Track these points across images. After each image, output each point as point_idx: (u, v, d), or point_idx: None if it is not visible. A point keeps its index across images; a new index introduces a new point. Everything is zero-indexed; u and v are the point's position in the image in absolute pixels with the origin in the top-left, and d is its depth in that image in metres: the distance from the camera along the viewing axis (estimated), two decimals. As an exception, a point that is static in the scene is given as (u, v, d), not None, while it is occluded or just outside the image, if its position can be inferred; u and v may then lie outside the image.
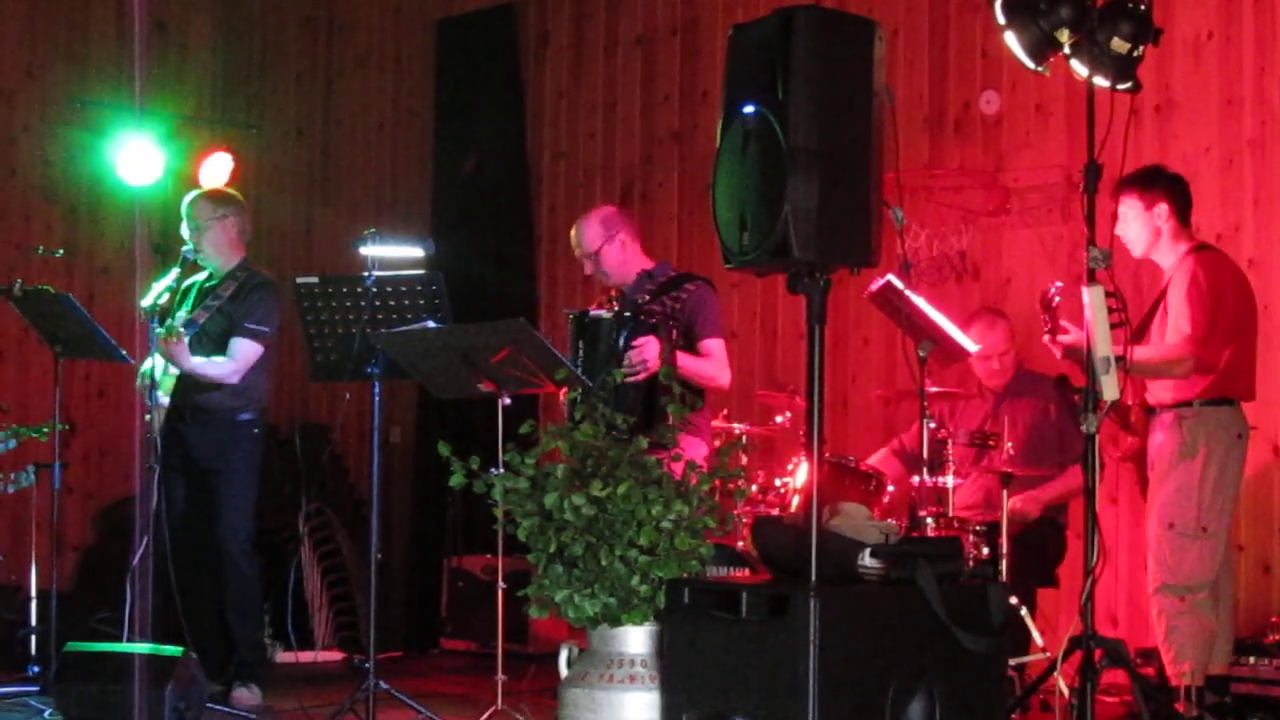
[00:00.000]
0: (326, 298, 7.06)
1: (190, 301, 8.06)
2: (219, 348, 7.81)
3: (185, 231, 8.08)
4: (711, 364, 7.25)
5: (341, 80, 12.07)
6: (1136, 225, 6.88)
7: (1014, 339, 7.99)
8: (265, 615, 8.53)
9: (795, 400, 7.78)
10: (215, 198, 8.24)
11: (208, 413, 7.90)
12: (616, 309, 7.16)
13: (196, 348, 7.72)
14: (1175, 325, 6.69)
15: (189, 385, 7.85)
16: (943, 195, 8.76)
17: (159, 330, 7.55)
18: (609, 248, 7.48)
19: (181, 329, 7.58)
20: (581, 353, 6.99)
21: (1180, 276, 6.73)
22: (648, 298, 7.37)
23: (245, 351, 7.83)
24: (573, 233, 7.61)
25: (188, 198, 8.18)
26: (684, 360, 6.99)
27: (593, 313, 7.14)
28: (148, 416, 7.68)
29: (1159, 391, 6.88)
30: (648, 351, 6.83)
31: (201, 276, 8.17)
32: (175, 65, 11.69)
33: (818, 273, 5.23)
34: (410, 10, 11.65)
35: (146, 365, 7.72)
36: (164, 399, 7.80)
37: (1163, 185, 6.89)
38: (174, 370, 7.82)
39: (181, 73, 11.70)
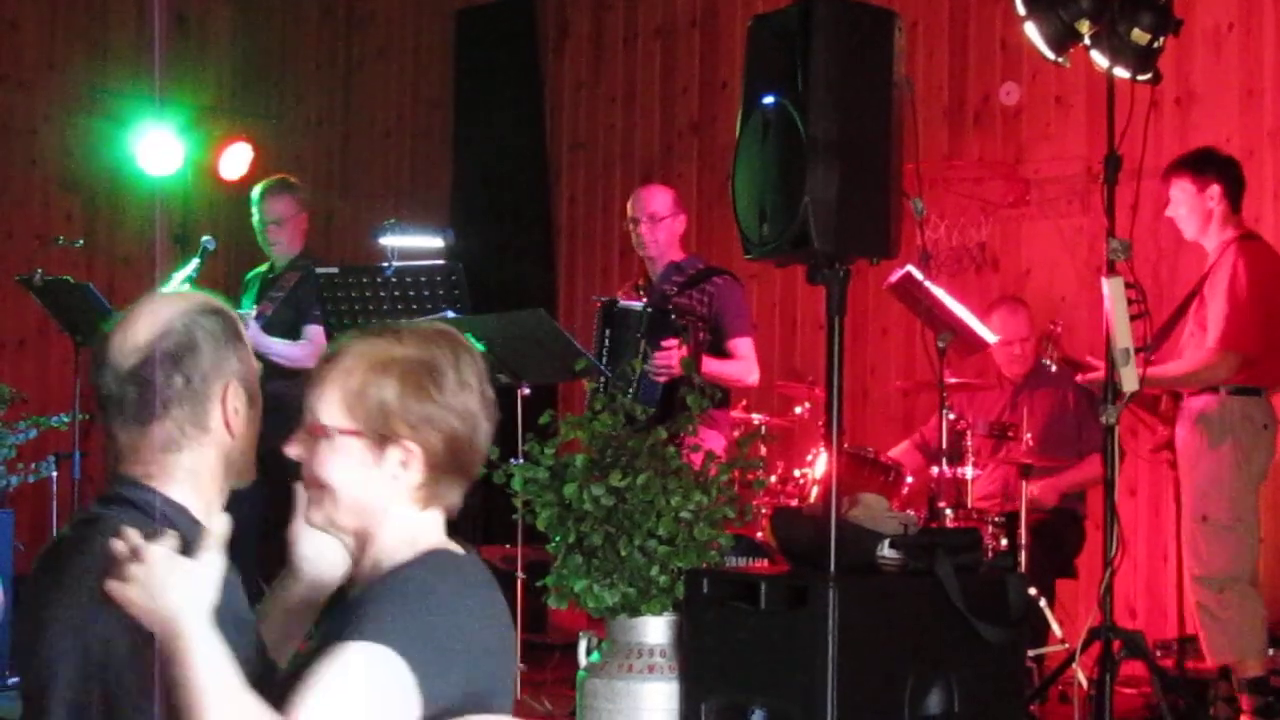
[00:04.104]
0: (346, 288, 7.08)
1: (253, 294, 8.12)
2: (289, 338, 7.82)
3: (260, 222, 8.12)
4: (739, 365, 7.26)
5: (361, 71, 12.07)
6: (1188, 207, 6.83)
7: (1035, 327, 7.98)
8: None
9: (814, 391, 7.78)
10: (297, 190, 8.29)
11: (276, 400, 7.91)
12: (646, 301, 7.14)
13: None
14: (1213, 322, 6.65)
15: (260, 376, 7.88)
16: (962, 186, 8.75)
17: None
18: (671, 222, 7.52)
19: (250, 318, 7.62)
20: (607, 342, 7.00)
21: (1222, 269, 6.67)
22: (675, 290, 7.37)
23: (320, 336, 7.84)
24: (638, 197, 7.61)
25: (263, 188, 8.21)
26: (711, 366, 7.00)
27: (622, 302, 7.14)
28: None
29: None
30: (673, 358, 6.82)
31: (262, 268, 8.23)
32: (195, 56, 11.71)
33: (837, 264, 5.24)
34: (429, 1, 11.64)
35: None
36: None
37: (1215, 167, 6.84)
38: None
39: (201, 63, 11.72)
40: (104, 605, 2.50)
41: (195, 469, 2.76)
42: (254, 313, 7.85)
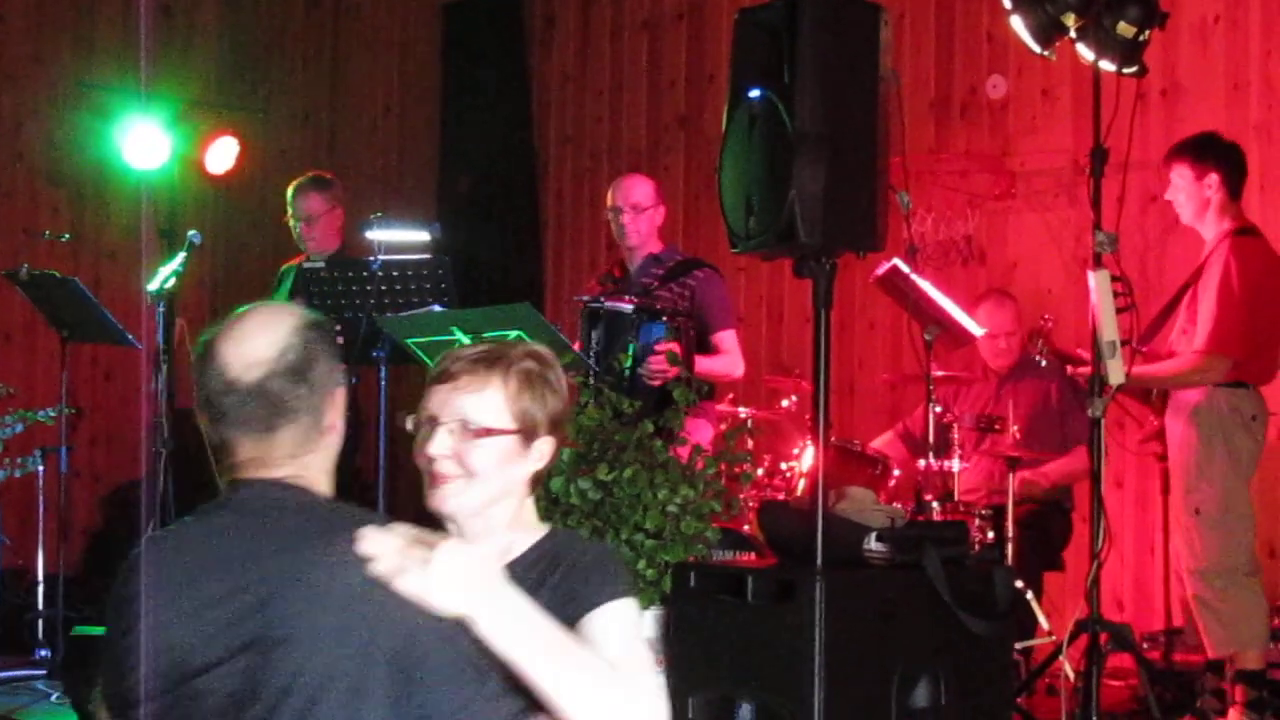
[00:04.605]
0: (333, 282, 7.07)
1: (287, 287, 8.13)
2: None
3: (291, 222, 8.14)
4: (726, 360, 7.24)
5: (348, 64, 12.06)
6: (1186, 194, 6.80)
7: (1021, 320, 7.99)
8: None
9: (801, 384, 7.78)
10: (326, 188, 8.28)
11: None
12: (634, 304, 7.03)
13: None
14: (1203, 322, 6.64)
15: None
16: (949, 179, 8.76)
17: None
18: (653, 213, 7.50)
19: None
20: (594, 343, 6.93)
21: (1216, 266, 6.65)
22: (655, 283, 7.34)
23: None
24: (620, 186, 7.56)
25: (294, 187, 8.23)
26: (701, 364, 6.96)
27: (608, 304, 7.04)
28: None
29: None
30: (667, 362, 6.73)
31: (296, 260, 8.25)
32: (181, 49, 11.69)
33: (824, 257, 5.23)
34: (416, -6, 11.65)
35: None
36: None
37: (1215, 155, 6.81)
38: None
39: (187, 57, 11.69)
40: (395, 601, 2.69)
41: (322, 467, 3.01)
42: None
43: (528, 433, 3.32)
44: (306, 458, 2.96)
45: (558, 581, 3.19)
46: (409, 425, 3.39)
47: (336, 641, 2.71)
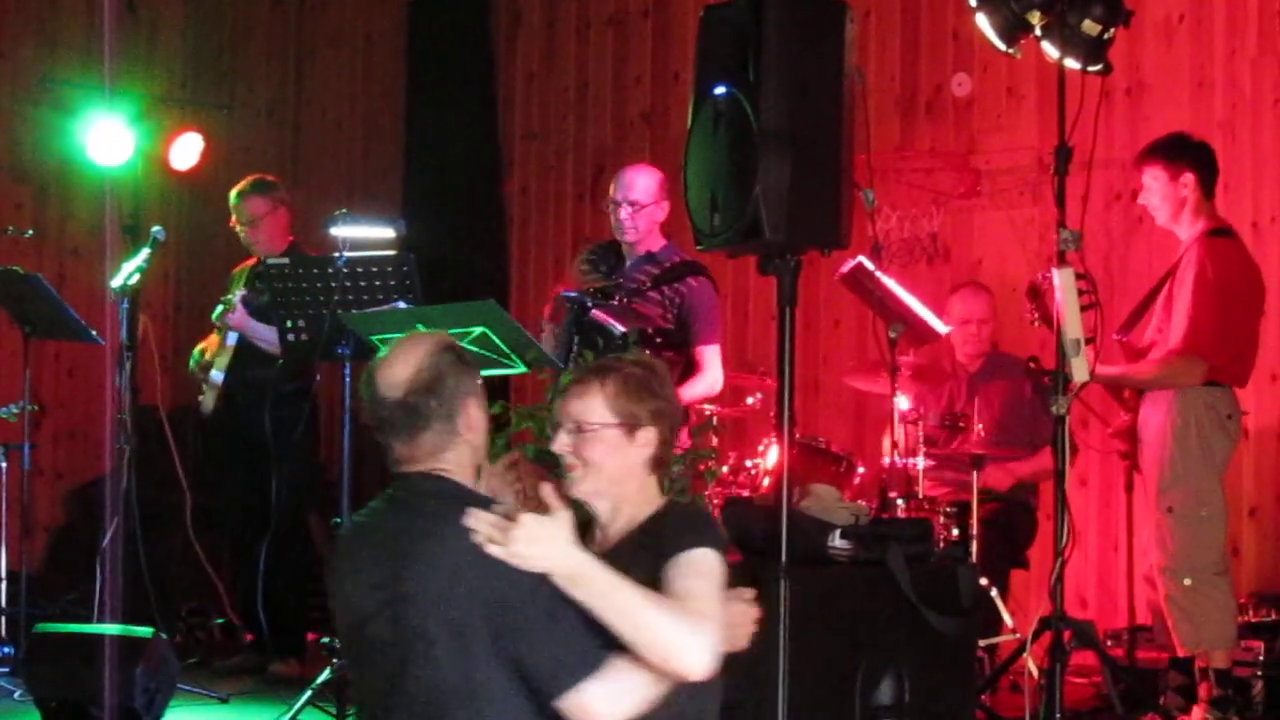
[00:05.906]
0: (297, 279, 7.04)
1: (240, 285, 8.16)
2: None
3: (237, 227, 8.19)
4: (705, 381, 6.93)
5: (312, 60, 12.02)
6: (1161, 196, 6.77)
7: (995, 311, 7.97)
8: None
9: (766, 382, 7.75)
10: (268, 190, 8.33)
11: (257, 388, 7.91)
12: (624, 331, 6.74)
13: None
14: (1177, 324, 6.63)
15: (240, 362, 7.94)
16: (914, 177, 8.77)
17: (216, 311, 7.95)
18: (655, 209, 7.19)
19: (237, 301, 7.72)
20: (575, 348, 6.65)
21: (1190, 268, 6.64)
22: (647, 283, 7.12)
23: None
24: (621, 179, 7.17)
25: (237, 191, 8.30)
26: (683, 394, 6.78)
27: (594, 313, 6.70)
28: (200, 396, 7.86)
29: None
30: None
31: (250, 263, 8.29)
32: (145, 45, 11.64)
33: (788, 254, 5.23)
34: (381, -10, 11.62)
35: (197, 350, 7.88)
36: (218, 377, 7.91)
37: (1189, 156, 6.79)
38: (229, 343, 7.92)
39: (152, 53, 11.65)
40: (488, 564, 3.41)
41: (460, 461, 3.76)
42: (241, 295, 7.88)
43: (629, 426, 3.90)
44: (445, 454, 3.72)
45: (658, 540, 3.75)
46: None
47: (444, 597, 3.48)
